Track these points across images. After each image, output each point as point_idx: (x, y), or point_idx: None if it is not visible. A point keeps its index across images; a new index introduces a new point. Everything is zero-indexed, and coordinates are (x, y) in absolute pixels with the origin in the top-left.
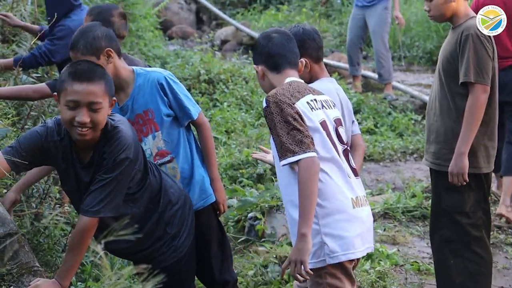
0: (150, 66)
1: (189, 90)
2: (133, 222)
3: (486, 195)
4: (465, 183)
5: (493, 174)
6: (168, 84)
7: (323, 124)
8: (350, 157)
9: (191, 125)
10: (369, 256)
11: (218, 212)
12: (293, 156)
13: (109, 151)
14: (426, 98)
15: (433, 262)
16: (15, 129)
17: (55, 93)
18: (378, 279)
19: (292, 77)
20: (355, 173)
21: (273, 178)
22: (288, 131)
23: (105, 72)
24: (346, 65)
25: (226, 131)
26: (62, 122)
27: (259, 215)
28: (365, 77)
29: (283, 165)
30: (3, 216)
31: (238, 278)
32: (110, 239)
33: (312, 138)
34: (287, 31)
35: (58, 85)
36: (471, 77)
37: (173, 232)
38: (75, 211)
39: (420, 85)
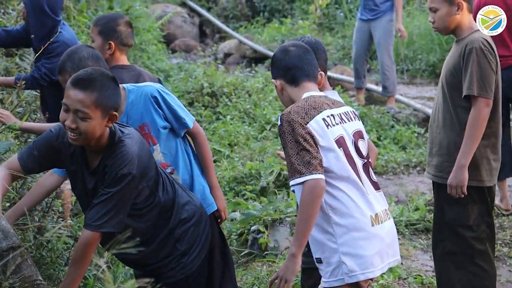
0: (159, 79)
1: (192, 103)
2: (140, 237)
3: (490, 208)
4: (463, 195)
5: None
6: (162, 96)
7: (340, 140)
8: (371, 170)
9: (186, 135)
10: None
11: (219, 220)
12: (300, 177)
13: (111, 164)
14: (429, 111)
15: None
16: (18, 143)
17: None
18: None
19: (310, 91)
20: (376, 187)
21: (276, 191)
22: (298, 152)
23: (106, 85)
24: (349, 78)
25: (229, 144)
26: None
27: (262, 228)
28: (368, 90)
29: (291, 185)
30: (6, 229)
31: None
32: (113, 251)
33: (321, 160)
34: (304, 44)
35: None
36: (474, 90)
37: (183, 248)
38: (77, 225)
39: (423, 98)
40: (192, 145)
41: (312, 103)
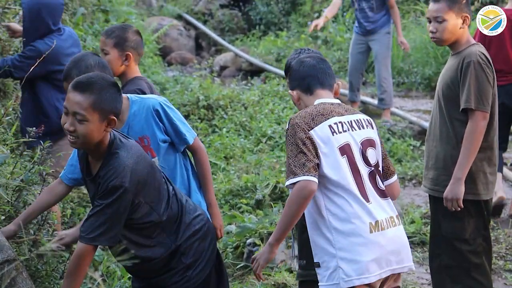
0: (164, 92)
1: (188, 116)
2: (144, 250)
3: (486, 222)
4: (459, 209)
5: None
6: (164, 110)
7: (345, 148)
8: (378, 178)
9: (187, 150)
10: None
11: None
12: (293, 177)
13: (103, 175)
14: (425, 124)
15: None
16: (13, 156)
17: None
18: None
19: (323, 98)
20: (383, 195)
21: (272, 204)
22: (296, 154)
23: (105, 89)
24: (344, 91)
25: (225, 157)
26: None
27: (257, 241)
28: (363, 102)
29: (286, 185)
30: (1, 242)
31: None
32: (115, 260)
33: (316, 164)
34: (319, 55)
35: None
36: (472, 103)
37: (188, 262)
38: None
39: (418, 111)
40: (192, 160)
41: (321, 110)
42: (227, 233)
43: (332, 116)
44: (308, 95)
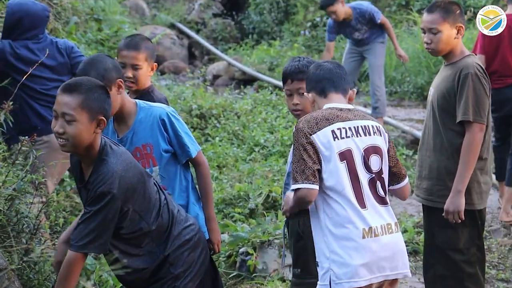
0: (167, 100)
1: None
2: (133, 260)
3: (480, 231)
4: (460, 221)
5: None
6: (170, 120)
7: (346, 153)
8: (379, 185)
9: (189, 163)
10: None
11: (212, 252)
12: (294, 183)
13: (92, 181)
14: (417, 133)
15: None
16: (6, 164)
17: None
18: None
19: (334, 103)
20: (382, 202)
21: (264, 213)
22: (298, 159)
23: (93, 89)
24: None
25: (217, 166)
26: None
27: (250, 250)
28: None
29: (291, 190)
30: None
31: None
32: (106, 270)
33: (316, 170)
34: (337, 61)
35: None
36: (470, 116)
37: (177, 272)
38: None
39: (411, 120)
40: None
41: (326, 114)
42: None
43: (337, 121)
44: (322, 98)
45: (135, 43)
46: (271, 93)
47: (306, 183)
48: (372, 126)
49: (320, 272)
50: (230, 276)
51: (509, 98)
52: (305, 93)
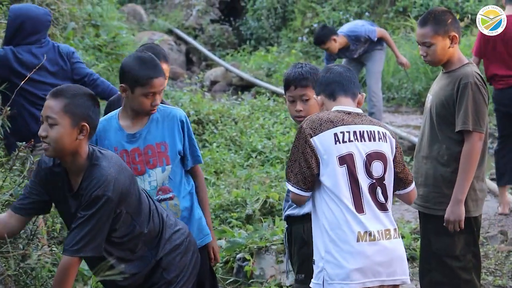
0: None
1: None
2: (125, 264)
3: (476, 238)
4: (459, 229)
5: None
6: (187, 124)
7: (346, 157)
8: (379, 191)
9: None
10: None
11: (212, 262)
12: (287, 182)
13: (86, 186)
14: (415, 139)
15: None
16: (3, 170)
17: None
18: None
19: (342, 106)
20: (382, 208)
21: (262, 219)
22: (294, 160)
23: (78, 95)
24: None
25: (215, 171)
26: None
27: (247, 256)
28: None
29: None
30: None
31: None
32: (99, 277)
33: (307, 176)
34: (347, 66)
35: None
36: (469, 125)
37: (170, 277)
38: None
39: (408, 127)
40: None
41: (332, 117)
42: None
43: (340, 125)
44: (331, 101)
45: (153, 51)
46: (269, 99)
47: (296, 188)
48: (378, 132)
49: (315, 270)
50: (227, 282)
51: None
52: (314, 96)
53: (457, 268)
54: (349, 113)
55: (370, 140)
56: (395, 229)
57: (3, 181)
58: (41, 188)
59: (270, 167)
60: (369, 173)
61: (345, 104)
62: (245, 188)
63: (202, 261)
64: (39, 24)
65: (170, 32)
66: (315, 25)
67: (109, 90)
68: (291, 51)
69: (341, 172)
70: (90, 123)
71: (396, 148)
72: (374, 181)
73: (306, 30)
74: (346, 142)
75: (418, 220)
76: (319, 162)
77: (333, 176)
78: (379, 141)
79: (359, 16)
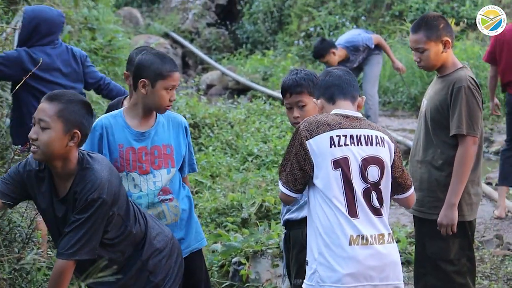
0: None
1: None
2: (113, 268)
3: (471, 242)
4: (451, 233)
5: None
6: (188, 132)
7: (341, 161)
8: (374, 196)
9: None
10: None
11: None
12: (280, 179)
13: (80, 190)
14: (411, 143)
15: None
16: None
17: None
18: None
19: (341, 109)
20: (376, 213)
21: (257, 223)
22: (287, 160)
23: (74, 102)
24: None
25: (211, 175)
26: None
27: (243, 260)
28: None
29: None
30: None
31: None
32: (88, 281)
33: (297, 178)
34: (347, 68)
35: None
36: (463, 129)
37: (157, 280)
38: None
39: (404, 130)
40: None
41: (329, 120)
42: (213, 251)
43: (337, 128)
44: (331, 104)
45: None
46: (265, 102)
47: (285, 187)
48: (376, 137)
49: (308, 271)
50: (223, 286)
51: None
52: (313, 100)
53: (451, 272)
54: (347, 116)
55: (367, 145)
56: (389, 234)
57: None
58: (15, 186)
59: (266, 171)
60: (364, 177)
61: (345, 108)
62: (241, 191)
63: (197, 264)
64: (53, 25)
65: (166, 35)
66: (311, 29)
67: (123, 93)
68: (287, 55)
69: (335, 175)
70: (82, 131)
71: (395, 153)
72: (369, 185)
73: (303, 34)
74: (341, 145)
75: (413, 224)
76: (313, 165)
77: (326, 179)
78: (376, 145)
79: (355, 20)
